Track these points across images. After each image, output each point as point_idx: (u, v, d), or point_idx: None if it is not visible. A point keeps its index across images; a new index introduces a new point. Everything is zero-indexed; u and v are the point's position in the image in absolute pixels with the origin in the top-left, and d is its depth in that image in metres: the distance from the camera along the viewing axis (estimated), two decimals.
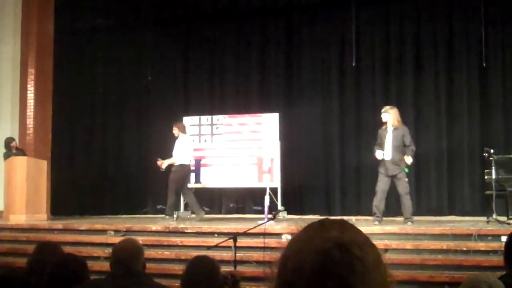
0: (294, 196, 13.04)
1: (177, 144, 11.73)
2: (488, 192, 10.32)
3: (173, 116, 13.51)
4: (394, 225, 9.76)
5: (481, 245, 8.33)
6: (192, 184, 12.67)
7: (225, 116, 13.06)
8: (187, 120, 13.09)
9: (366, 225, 10.00)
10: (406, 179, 10.28)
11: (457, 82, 12.44)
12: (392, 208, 12.50)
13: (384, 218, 11.77)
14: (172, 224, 10.61)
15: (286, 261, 1.30)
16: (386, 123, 10.29)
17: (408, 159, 10.13)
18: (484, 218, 10.21)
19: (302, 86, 13.54)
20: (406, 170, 10.27)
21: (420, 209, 12.33)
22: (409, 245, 8.58)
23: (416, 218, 11.82)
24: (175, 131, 11.82)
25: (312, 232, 1.32)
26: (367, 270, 1.24)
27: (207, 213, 13.08)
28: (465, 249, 8.29)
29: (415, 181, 12.48)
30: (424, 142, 12.51)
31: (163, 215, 11.79)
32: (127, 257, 3.95)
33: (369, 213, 12.25)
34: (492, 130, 12.14)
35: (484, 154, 10.31)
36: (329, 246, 1.25)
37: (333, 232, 1.29)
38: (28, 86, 13.27)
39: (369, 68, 13.04)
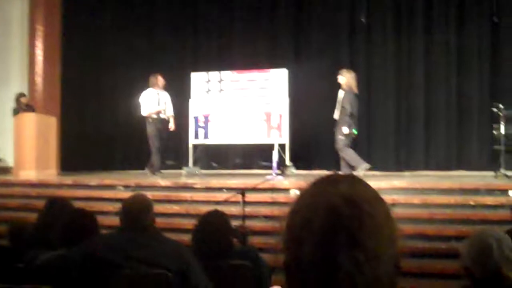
0: (303, 152, 13.05)
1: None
2: (496, 147, 10.31)
3: (181, 72, 13.47)
4: (401, 180, 9.79)
5: (489, 200, 8.36)
6: (200, 140, 12.70)
7: (233, 72, 13.00)
8: (195, 76, 13.04)
9: (374, 180, 10.05)
10: (341, 137, 10.82)
11: (468, 38, 12.33)
12: (401, 162, 12.55)
13: (392, 173, 11.84)
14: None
15: (294, 216, 1.30)
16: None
17: (344, 129, 10.77)
18: (492, 173, 10.23)
19: (311, 42, 13.45)
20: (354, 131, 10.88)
21: (428, 164, 12.37)
22: (416, 199, 8.61)
23: (424, 172, 11.90)
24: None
25: (321, 187, 1.32)
26: (376, 225, 1.25)
27: (214, 168, 13.16)
28: (472, 203, 8.32)
29: (424, 135, 12.48)
30: (434, 97, 12.50)
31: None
32: (137, 212, 3.99)
33: (378, 168, 12.33)
34: (502, 85, 12.08)
35: (493, 109, 10.28)
36: (338, 201, 1.25)
37: (342, 187, 1.29)
38: (36, 42, 13.25)
39: (379, 24, 12.93)
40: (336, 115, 10.98)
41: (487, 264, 2.97)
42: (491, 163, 11.14)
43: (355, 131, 10.86)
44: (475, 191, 8.63)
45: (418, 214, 8.32)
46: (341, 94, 10.93)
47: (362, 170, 10.53)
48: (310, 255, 1.24)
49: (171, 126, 12.63)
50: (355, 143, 11.27)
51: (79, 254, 3.85)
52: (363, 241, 1.23)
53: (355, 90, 11.00)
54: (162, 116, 12.43)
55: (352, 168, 10.72)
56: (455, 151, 12.32)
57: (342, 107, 10.83)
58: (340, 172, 10.14)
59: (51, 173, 12.00)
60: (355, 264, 1.21)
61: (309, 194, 1.31)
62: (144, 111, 12.27)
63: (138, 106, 12.34)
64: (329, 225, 1.23)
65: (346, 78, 10.91)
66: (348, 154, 10.88)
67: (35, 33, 13.27)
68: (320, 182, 1.33)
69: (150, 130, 12.28)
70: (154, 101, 12.36)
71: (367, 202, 1.27)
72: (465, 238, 7.07)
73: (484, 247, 3.01)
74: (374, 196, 1.31)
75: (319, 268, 1.23)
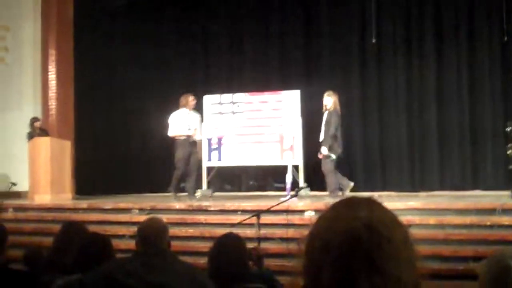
0: (317, 173, 13.00)
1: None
2: (511, 166, 10.24)
3: (193, 93, 13.52)
4: (417, 201, 9.75)
5: (505, 220, 8.31)
6: (213, 163, 12.71)
7: (246, 94, 13.04)
8: (208, 99, 13.09)
9: (388, 201, 10.02)
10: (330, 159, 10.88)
11: (478, 57, 12.33)
12: (415, 183, 12.49)
13: (407, 194, 11.79)
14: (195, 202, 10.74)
15: (313, 239, 1.30)
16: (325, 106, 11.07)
17: (323, 149, 10.87)
18: (507, 193, 10.16)
19: (323, 63, 13.49)
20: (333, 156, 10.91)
21: (443, 184, 12.31)
22: (432, 220, 8.58)
23: (439, 193, 11.83)
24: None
25: (339, 210, 1.32)
26: (395, 250, 1.25)
27: (228, 191, 13.16)
28: (489, 223, 8.28)
29: (439, 156, 12.44)
30: (447, 117, 12.46)
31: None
32: (152, 236, 3.99)
33: (393, 188, 12.28)
34: None
35: (507, 128, 10.24)
36: (357, 225, 1.25)
37: (361, 211, 1.29)
38: (49, 67, 13.37)
39: (389, 45, 12.95)
40: (321, 137, 11.03)
41: (506, 285, 2.94)
42: (507, 183, 11.07)
43: (333, 156, 10.88)
44: (491, 211, 8.57)
45: (434, 235, 8.28)
46: (326, 115, 11.01)
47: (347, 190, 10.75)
48: (329, 279, 1.24)
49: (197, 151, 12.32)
50: (338, 164, 11.21)
51: (96, 278, 3.84)
52: (382, 266, 1.23)
53: (339, 111, 11.10)
54: (191, 138, 12.03)
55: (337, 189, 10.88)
56: (470, 171, 12.26)
57: (326, 128, 10.90)
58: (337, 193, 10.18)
59: (66, 197, 12.04)
60: None
61: (328, 218, 1.32)
62: (171, 132, 12.08)
63: (166, 126, 12.21)
64: (348, 250, 1.23)
65: (333, 100, 10.99)
66: (333, 177, 10.95)
67: (48, 56, 13.40)
68: (339, 206, 1.34)
69: (177, 151, 11.96)
70: (183, 122, 11.99)
71: (385, 226, 1.27)
72: (482, 259, 7.01)
73: (502, 269, 2.98)
74: (392, 220, 1.31)
75: None
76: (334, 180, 10.90)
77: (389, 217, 1.31)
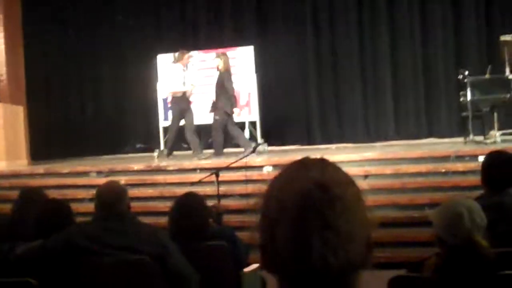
0: (274, 128, 13.08)
1: None
2: (464, 113, 10.42)
3: (146, 53, 13.39)
4: (373, 151, 9.89)
5: (459, 166, 8.47)
6: (170, 122, 12.66)
7: (199, 51, 12.95)
8: (162, 58, 12.98)
9: (345, 153, 10.15)
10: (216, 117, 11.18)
11: (430, 4, 12.37)
12: (371, 133, 12.64)
13: (363, 145, 11.95)
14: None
15: (268, 199, 1.34)
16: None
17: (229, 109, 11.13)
18: (461, 139, 10.36)
19: (276, 17, 13.41)
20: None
21: (399, 133, 12.46)
22: (388, 170, 8.71)
23: (394, 142, 11.99)
24: None
25: (293, 171, 1.35)
26: (348, 208, 1.29)
27: (185, 149, 13.09)
28: (443, 170, 8.44)
29: (393, 106, 12.57)
30: (401, 67, 12.56)
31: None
32: (111, 199, 4.00)
33: (350, 140, 12.42)
34: (466, 51, 12.19)
35: (459, 75, 10.38)
36: (310, 186, 1.28)
37: (314, 171, 1.32)
38: None
39: None
40: (214, 97, 11.27)
41: (459, 232, 3.04)
42: (460, 130, 11.27)
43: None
44: (446, 159, 8.74)
45: (390, 184, 8.43)
46: (218, 76, 11.25)
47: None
48: (284, 236, 1.28)
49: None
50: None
51: (56, 244, 3.86)
52: (334, 222, 1.27)
53: (231, 72, 11.40)
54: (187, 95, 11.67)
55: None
56: (424, 119, 12.42)
57: (223, 88, 11.08)
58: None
59: (22, 163, 11.91)
60: (327, 245, 1.25)
61: (282, 179, 1.35)
62: (167, 89, 11.73)
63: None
64: (302, 208, 1.27)
65: (223, 61, 11.20)
66: (219, 136, 11.18)
67: None
68: (293, 167, 1.37)
69: (174, 107, 11.63)
70: (179, 79, 11.62)
71: (337, 185, 1.31)
72: (438, 205, 7.19)
73: (455, 215, 3.08)
74: (345, 179, 1.35)
75: (293, 248, 1.27)
76: (219, 140, 11.18)
77: (341, 176, 1.35)
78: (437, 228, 3.21)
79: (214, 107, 11.24)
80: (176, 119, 11.53)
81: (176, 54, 11.78)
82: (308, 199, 1.27)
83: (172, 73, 11.67)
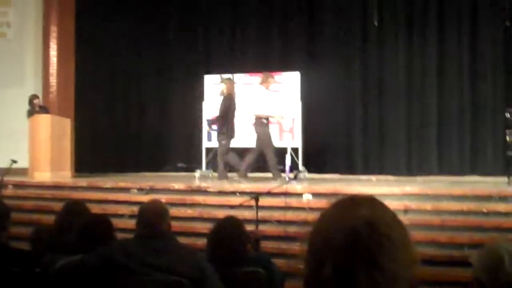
0: (316, 156, 13.07)
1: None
2: (510, 153, 10.27)
3: (194, 74, 13.54)
4: (414, 186, 9.78)
5: (501, 207, 8.34)
6: (213, 143, 12.74)
7: (246, 74, 13.05)
8: (208, 79, 13.10)
9: (386, 185, 10.08)
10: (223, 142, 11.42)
11: (480, 42, 12.29)
12: (413, 167, 12.54)
13: (404, 178, 11.84)
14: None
15: (316, 235, 1.36)
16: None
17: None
18: (505, 179, 10.20)
19: (324, 45, 13.45)
20: None
21: (441, 169, 12.33)
22: (429, 206, 8.60)
23: (436, 178, 11.87)
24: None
25: (342, 209, 1.37)
26: (394, 248, 1.30)
27: (228, 172, 13.14)
28: (485, 210, 8.31)
29: (437, 140, 12.45)
30: (447, 102, 12.45)
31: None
32: (153, 218, 4.04)
33: (391, 172, 12.33)
34: None
35: (506, 114, 10.26)
36: (359, 224, 1.30)
37: (363, 209, 1.34)
38: (51, 44, 13.33)
39: (391, 28, 12.90)
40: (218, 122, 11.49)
41: (499, 276, 3.00)
42: (504, 169, 11.11)
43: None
44: (488, 198, 8.61)
45: (430, 221, 8.33)
46: (222, 100, 11.42)
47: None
48: (330, 273, 1.30)
49: None
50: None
51: (96, 259, 3.90)
52: (381, 262, 1.28)
53: (234, 97, 11.53)
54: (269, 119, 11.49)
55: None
56: (469, 156, 12.27)
57: (224, 113, 11.29)
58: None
59: (65, 175, 12.08)
60: (373, 284, 1.27)
61: (331, 216, 1.37)
62: (258, 111, 11.33)
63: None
64: (349, 247, 1.29)
65: (227, 86, 11.45)
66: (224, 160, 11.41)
67: (49, 33, 13.36)
68: (341, 204, 1.39)
69: (265, 131, 11.31)
70: (262, 102, 11.40)
71: (385, 225, 1.32)
72: (478, 246, 7.06)
73: (496, 259, 3.04)
74: (392, 219, 1.36)
75: (338, 285, 1.28)
76: (221, 166, 11.38)
77: (389, 216, 1.37)
78: (477, 270, 3.17)
79: (220, 132, 11.41)
80: (271, 138, 11.33)
81: (261, 75, 11.63)
82: (357, 237, 1.29)
83: (255, 95, 11.45)
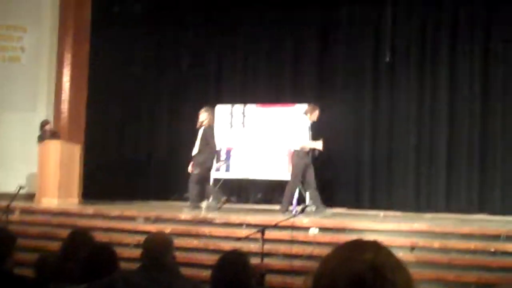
0: (323, 189, 13.01)
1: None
2: None
3: (205, 104, 13.58)
4: (421, 223, 9.73)
5: (510, 246, 8.27)
6: (221, 174, 12.73)
7: (257, 105, 13.08)
8: (220, 109, 13.14)
9: (394, 222, 10.03)
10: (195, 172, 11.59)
11: (492, 80, 12.29)
12: (421, 204, 12.48)
13: (412, 214, 11.77)
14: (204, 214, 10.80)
15: (320, 278, 1.34)
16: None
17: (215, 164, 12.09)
18: None
19: (336, 78, 13.49)
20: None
21: (449, 207, 12.26)
22: (436, 243, 8.54)
23: (444, 215, 11.80)
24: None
25: (346, 252, 1.36)
26: None
27: (235, 203, 13.16)
28: (493, 250, 8.25)
29: (446, 177, 12.41)
30: (456, 139, 12.43)
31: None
32: (158, 250, 4.03)
33: (398, 208, 12.27)
34: None
35: None
36: (362, 267, 1.29)
37: (367, 254, 1.33)
38: (64, 70, 13.43)
39: (403, 63, 12.94)
40: (195, 151, 11.60)
41: None
42: None
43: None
44: (496, 237, 8.55)
45: (437, 259, 8.27)
46: (202, 131, 11.62)
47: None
48: None
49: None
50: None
51: None
52: None
53: (213, 126, 11.84)
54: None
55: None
56: (477, 194, 12.21)
57: (206, 143, 11.52)
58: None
59: (73, 202, 12.09)
60: None
61: (335, 259, 1.36)
62: (302, 143, 11.11)
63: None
64: None
65: (208, 117, 11.64)
66: (195, 189, 11.57)
67: (63, 60, 13.47)
68: (346, 248, 1.38)
69: (300, 162, 11.07)
70: (307, 133, 11.21)
71: (390, 269, 1.31)
72: (485, 285, 7.01)
73: None
74: (396, 263, 1.35)
75: None
76: (195, 192, 11.53)
77: (394, 260, 1.35)
78: None
79: (195, 162, 11.55)
80: (301, 173, 11.11)
81: (307, 106, 11.45)
82: (360, 281, 1.28)
83: (301, 126, 11.22)
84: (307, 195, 11.43)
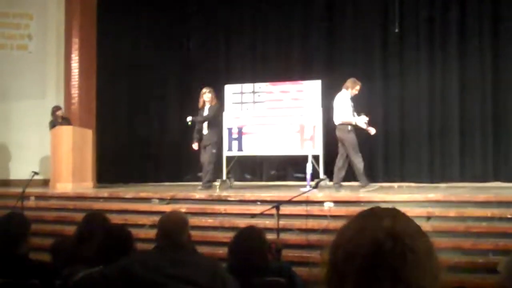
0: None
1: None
2: None
3: (214, 84, 13.53)
4: (437, 192, 9.68)
5: None
6: (234, 152, 12.72)
7: (267, 83, 13.03)
8: (229, 88, 13.10)
9: (409, 192, 9.99)
10: (213, 151, 11.65)
11: (502, 47, 12.17)
12: (435, 174, 12.43)
13: (427, 185, 11.73)
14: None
15: (337, 249, 1.31)
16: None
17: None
18: None
19: (344, 53, 13.42)
20: None
21: (464, 176, 12.22)
22: (452, 212, 8.50)
23: (460, 184, 11.76)
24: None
25: (363, 220, 1.33)
26: (419, 261, 1.25)
27: (249, 180, 13.18)
28: (509, 216, 8.19)
29: (460, 146, 12.34)
30: (469, 107, 12.35)
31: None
32: (173, 230, 4.01)
33: (413, 179, 12.23)
34: None
35: None
36: (381, 236, 1.26)
37: (385, 221, 1.30)
38: (73, 55, 13.43)
39: (412, 34, 12.83)
40: (205, 130, 11.68)
41: None
42: None
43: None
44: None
45: (454, 227, 8.23)
46: (212, 110, 11.67)
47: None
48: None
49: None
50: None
51: (116, 271, 3.88)
52: (405, 276, 1.24)
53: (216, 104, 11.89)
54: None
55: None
56: (492, 162, 12.15)
57: (216, 122, 11.71)
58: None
59: (87, 186, 12.13)
60: None
61: (352, 228, 1.33)
62: (343, 117, 10.81)
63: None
64: (371, 260, 1.24)
65: (213, 95, 11.71)
66: (212, 168, 11.62)
67: (71, 45, 13.46)
68: (363, 216, 1.35)
69: (350, 136, 10.76)
70: (350, 107, 10.88)
71: (409, 236, 1.28)
72: (502, 252, 6.97)
73: None
74: (416, 230, 1.32)
75: None
76: (211, 171, 11.57)
77: (413, 227, 1.32)
78: (504, 279, 3.10)
79: (211, 141, 11.60)
80: (357, 145, 10.80)
81: (348, 80, 11.10)
82: (379, 249, 1.24)
83: (342, 101, 10.94)
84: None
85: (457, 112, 12.40)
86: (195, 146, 11.86)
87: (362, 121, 10.83)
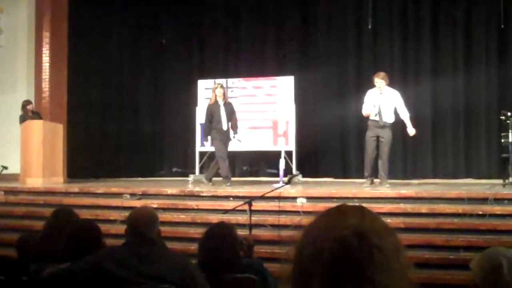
0: (309, 159, 13.02)
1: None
2: (504, 155, 10.23)
3: (188, 79, 13.48)
4: (409, 189, 9.72)
5: (497, 209, 8.26)
6: (207, 147, 12.67)
7: (240, 79, 13.00)
8: (202, 83, 13.04)
9: (380, 189, 10.01)
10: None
11: (474, 45, 12.28)
12: (408, 171, 12.49)
13: (400, 181, 11.78)
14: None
15: (303, 247, 1.28)
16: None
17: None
18: (500, 181, 10.15)
19: (318, 49, 13.44)
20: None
21: (436, 172, 12.30)
22: (424, 208, 8.54)
23: (432, 181, 11.82)
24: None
25: (330, 218, 1.29)
26: (386, 259, 1.22)
27: (219, 176, 13.08)
28: (480, 212, 8.24)
29: (432, 144, 12.42)
30: (441, 104, 12.42)
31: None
32: (142, 225, 3.96)
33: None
34: (510, 93, 12.02)
35: (501, 117, 10.21)
36: (348, 234, 1.22)
37: (352, 219, 1.26)
38: (43, 49, 13.27)
39: (385, 31, 12.90)
40: (225, 126, 11.10)
41: (497, 283, 2.93)
42: (499, 172, 11.07)
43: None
44: (483, 200, 8.54)
45: (425, 224, 8.25)
46: (229, 107, 11.18)
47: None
48: (319, 287, 1.22)
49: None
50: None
51: (85, 267, 3.82)
52: (372, 275, 1.21)
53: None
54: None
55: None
56: (463, 159, 12.26)
57: (232, 118, 11.16)
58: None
59: (57, 181, 12.01)
60: None
61: (318, 226, 1.29)
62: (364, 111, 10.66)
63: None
64: (338, 259, 1.21)
65: (223, 91, 11.25)
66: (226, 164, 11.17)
67: (42, 39, 13.30)
68: (329, 214, 1.31)
69: (367, 134, 10.68)
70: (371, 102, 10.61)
71: (376, 234, 1.24)
72: (474, 249, 7.00)
73: (494, 266, 2.97)
74: (383, 228, 1.28)
75: None
76: (226, 168, 11.17)
77: (380, 225, 1.29)
78: (475, 276, 3.10)
79: (229, 138, 11.23)
80: (370, 145, 10.72)
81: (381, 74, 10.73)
82: (346, 248, 1.21)
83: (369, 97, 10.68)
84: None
85: (429, 109, 12.47)
86: (207, 143, 11.46)
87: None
